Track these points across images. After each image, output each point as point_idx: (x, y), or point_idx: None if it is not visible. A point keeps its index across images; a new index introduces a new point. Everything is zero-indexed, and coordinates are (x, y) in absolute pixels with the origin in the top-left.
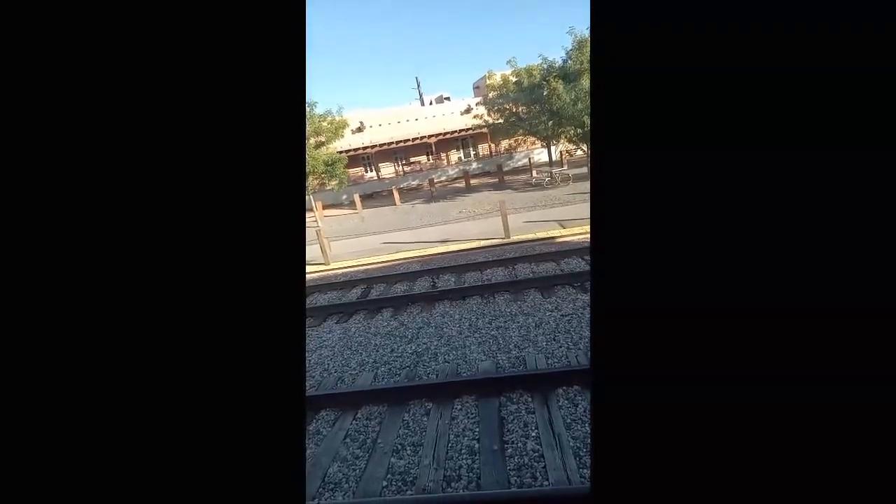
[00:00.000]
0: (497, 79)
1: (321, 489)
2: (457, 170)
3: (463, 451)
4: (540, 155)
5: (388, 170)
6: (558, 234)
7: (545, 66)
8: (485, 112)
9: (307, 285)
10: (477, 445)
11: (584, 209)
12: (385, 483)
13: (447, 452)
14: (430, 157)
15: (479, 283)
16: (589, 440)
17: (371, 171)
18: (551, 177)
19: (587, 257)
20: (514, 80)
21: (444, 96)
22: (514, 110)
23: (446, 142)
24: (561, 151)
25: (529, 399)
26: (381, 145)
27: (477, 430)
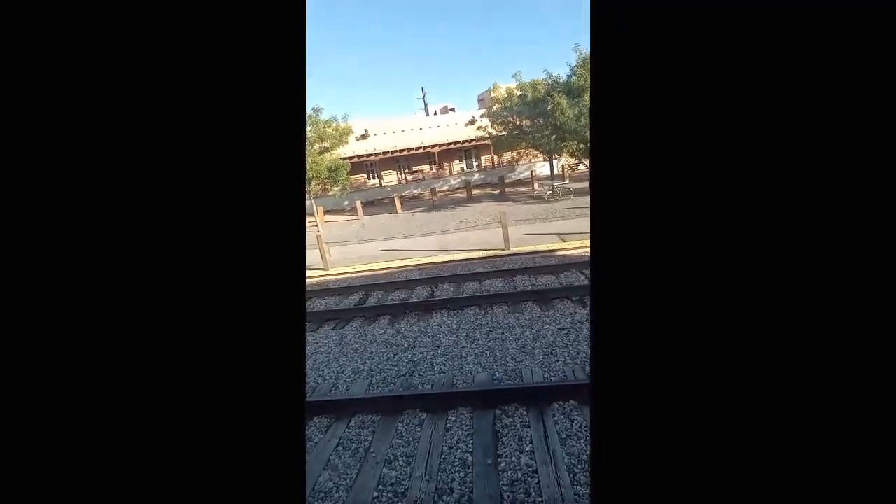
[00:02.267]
0: (502, 92)
1: (311, 497)
2: (459, 180)
3: (456, 464)
4: (542, 168)
5: (390, 177)
6: (558, 248)
7: (549, 80)
8: (489, 124)
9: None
10: (470, 458)
11: (585, 223)
12: (376, 494)
13: (440, 464)
14: (433, 166)
15: (478, 294)
16: (584, 457)
17: (374, 178)
18: (553, 190)
19: (586, 271)
20: (518, 93)
21: (449, 107)
22: (517, 123)
23: (449, 152)
24: (563, 165)
25: (525, 413)
26: (384, 153)
27: (471, 442)
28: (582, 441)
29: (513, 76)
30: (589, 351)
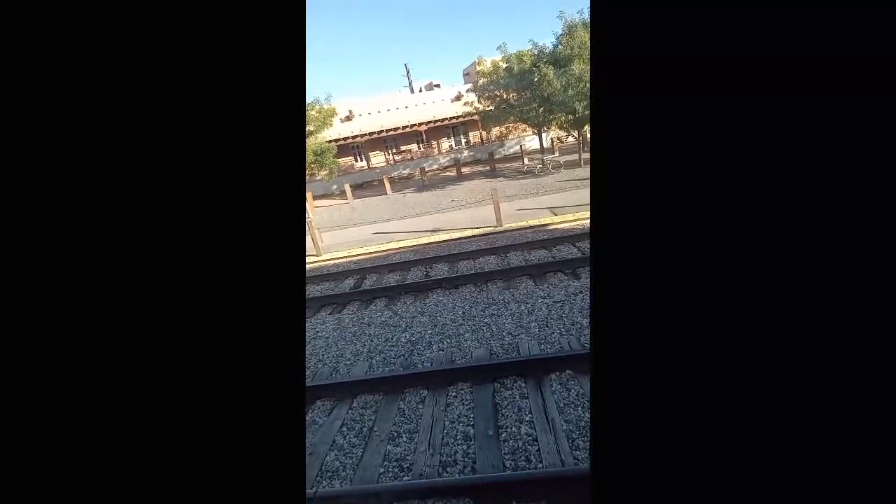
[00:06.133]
0: (487, 65)
1: (319, 477)
2: (448, 158)
3: (458, 437)
4: (531, 142)
5: (378, 159)
6: (550, 222)
7: (535, 51)
8: (475, 99)
9: None
10: (472, 431)
11: (576, 196)
12: (382, 470)
13: (443, 438)
14: (421, 145)
15: (472, 272)
16: (582, 423)
17: (361, 160)
18: (543, 164)
19: (578, 244)
20: (504, 66)
21: (435, 83)
22: (504, 97)
23: (437, 130)
24: (552, 138)
25: (523, 384)
26: (370, 134)
27: (472, 415)
28: (579, 409)
29: (498, 48)
30: (583, 321)
